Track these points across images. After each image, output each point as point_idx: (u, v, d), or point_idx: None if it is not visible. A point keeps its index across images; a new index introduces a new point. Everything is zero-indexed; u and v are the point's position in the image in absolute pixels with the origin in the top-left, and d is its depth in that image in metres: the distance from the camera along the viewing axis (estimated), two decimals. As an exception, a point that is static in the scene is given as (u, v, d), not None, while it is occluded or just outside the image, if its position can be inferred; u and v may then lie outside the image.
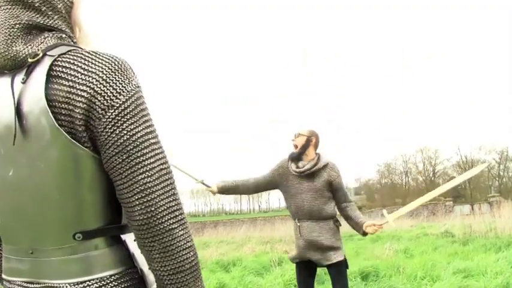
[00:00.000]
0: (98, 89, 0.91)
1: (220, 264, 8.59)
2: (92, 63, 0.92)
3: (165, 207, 0.91)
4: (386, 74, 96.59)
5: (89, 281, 0.95)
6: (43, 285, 0.97)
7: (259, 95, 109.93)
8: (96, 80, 0.91)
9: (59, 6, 1.02)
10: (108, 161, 0.92)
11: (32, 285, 0.98)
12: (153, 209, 0.90)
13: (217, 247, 12.03)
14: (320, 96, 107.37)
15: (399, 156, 61.36)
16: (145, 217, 0.90)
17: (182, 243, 0.92)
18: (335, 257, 3.35)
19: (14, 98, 0.91)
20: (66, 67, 0.92)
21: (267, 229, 19.05)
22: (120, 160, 0.91)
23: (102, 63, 0.93)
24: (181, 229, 0.93)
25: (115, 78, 0.92)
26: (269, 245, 11.41)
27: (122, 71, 0.94)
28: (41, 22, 0.98)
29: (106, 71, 0.92)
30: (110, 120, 0.91)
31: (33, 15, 0.98)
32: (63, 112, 0.90)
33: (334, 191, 3.50)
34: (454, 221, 15.02)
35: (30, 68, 0.93)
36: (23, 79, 0.92)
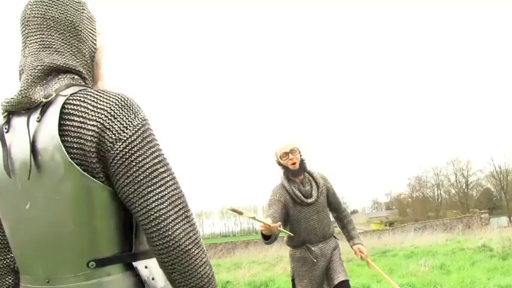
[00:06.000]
0: (106, 124, 0.98)
1: (253, 286, 8.55)
2: (101, 101, 1.00)
3: (180, 231, 0.98)
4: (401, 80, 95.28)
5: None
6: None
7: (258, 95, 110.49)
8: (105, 116, 0.98)
9: (84, 51, 1.14)
10: (121, 191, 0.99)
11: None
12: (170, 233, 0.97)
13: (249, 268, 11.99)
14: (320, 98, 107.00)
15: (430, 169, 60.14)
16: (163, 241, 0.97)
17: (198, 261, 1.00)
18: (342, 276, 3.06)
19: (29, 135, 1.00)
20: (77, 105, 1.00)
21: (298, 248, 18.75)
22: (132, 190, 0.98)
23: (110, 100, 1.00)
24: (196, 248, 0.99)
25: (122, 113, 1.00)
26: (301, 264, 11.22)
27: (128, 106, 1.01)
28: (61, 64, 1.09)
29: (113, 107, 1.00)
30: (118, 152, 0.97)
31: (56, 58, 1.09)
32: (75, 146, 0.97)
33: (331, 199, 3.25)
34: (491, 234, 14.53)
35: (44, 108, 1.02)
36: (38, 118, 1.01)
